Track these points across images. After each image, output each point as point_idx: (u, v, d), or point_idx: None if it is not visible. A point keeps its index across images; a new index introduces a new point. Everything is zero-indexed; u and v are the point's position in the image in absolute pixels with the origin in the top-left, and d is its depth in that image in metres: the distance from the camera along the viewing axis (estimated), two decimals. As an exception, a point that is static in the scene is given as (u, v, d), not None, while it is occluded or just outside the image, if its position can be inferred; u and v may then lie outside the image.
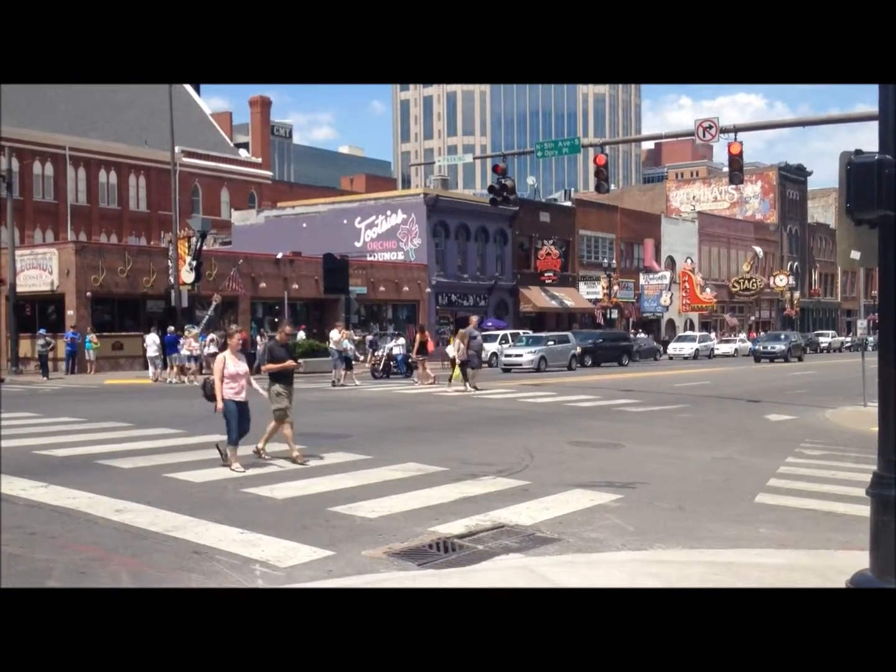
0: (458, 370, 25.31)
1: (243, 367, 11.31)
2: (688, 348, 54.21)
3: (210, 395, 11.25)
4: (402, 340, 33.88)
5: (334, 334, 28.75)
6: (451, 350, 26.67)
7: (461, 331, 26.93)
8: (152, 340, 30.80)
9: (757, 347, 52.21)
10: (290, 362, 12.02)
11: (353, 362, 29.09)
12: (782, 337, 53.62)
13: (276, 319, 39.78)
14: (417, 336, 29.45)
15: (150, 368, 30.91)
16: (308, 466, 11.46)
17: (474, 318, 29.73)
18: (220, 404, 11.01)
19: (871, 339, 35.12)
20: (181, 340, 30.64)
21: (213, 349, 32.27)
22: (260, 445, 11.89)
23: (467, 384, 24.83)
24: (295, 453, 11.68)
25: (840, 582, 5.56)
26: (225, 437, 11.37)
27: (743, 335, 68.27)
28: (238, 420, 11.14)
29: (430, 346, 30.05)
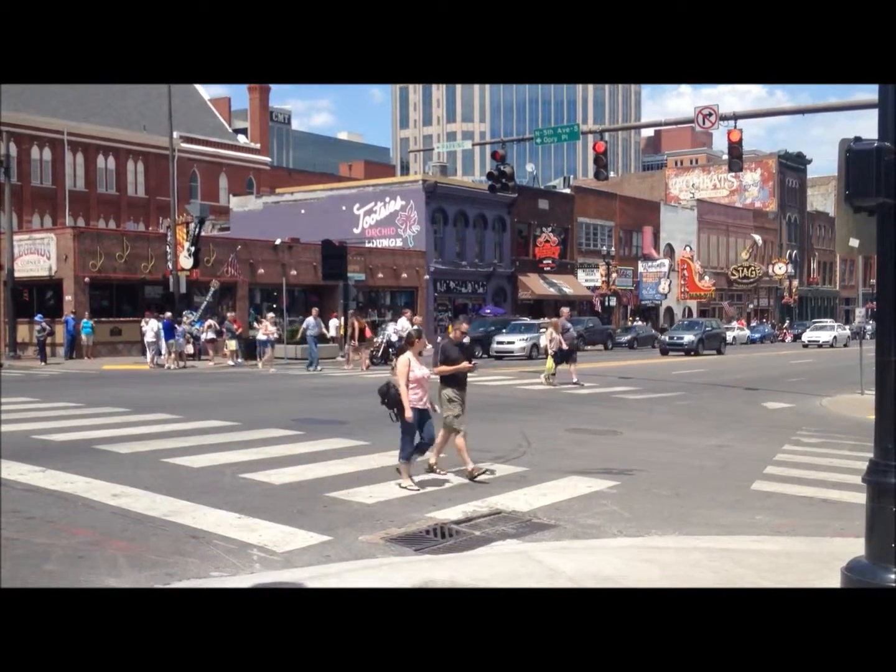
0: (551, 362, 23.18)
1: (426, 371, 10.03)
2: (686, 336, 54.18)
3: (394, 402, 9.79)
4: (400, 326, 33.82)
5: (403, 322, 28.01)
6: (545, 341, 24.73)
7: (554, 320, 24.70)
8: (151, 327, 30.77)
9: (663, 338, 45.77)
10: (465, 364, 10.68)
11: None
12: (695, 327, 46.40)
13: (275, 305, 39.78)
14: (355, 322, 29.29)
15: (148, 353, 30.90)
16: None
17: (566, 310, 27.28)
18: (408, 413, 9.59)
19: (868, 326, 35.04)
20: (250, 325, 31.12)
21: (210, 335, 32.36)
22: (432, 460, 10.58)
23: (553, 378, 22.96)
24: (470, 466, 10.19)
25: (836, 568, 5.58)
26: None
27: (734, 323, 68.16)
28: (419, 431, 9.88)
29: (368, 333, 29.95)
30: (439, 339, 24.77)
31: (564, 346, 23.29)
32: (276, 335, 30.17)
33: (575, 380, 22.96)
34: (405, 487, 9.58)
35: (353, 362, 29.45)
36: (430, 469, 10.47)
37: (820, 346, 53.96)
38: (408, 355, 9.89)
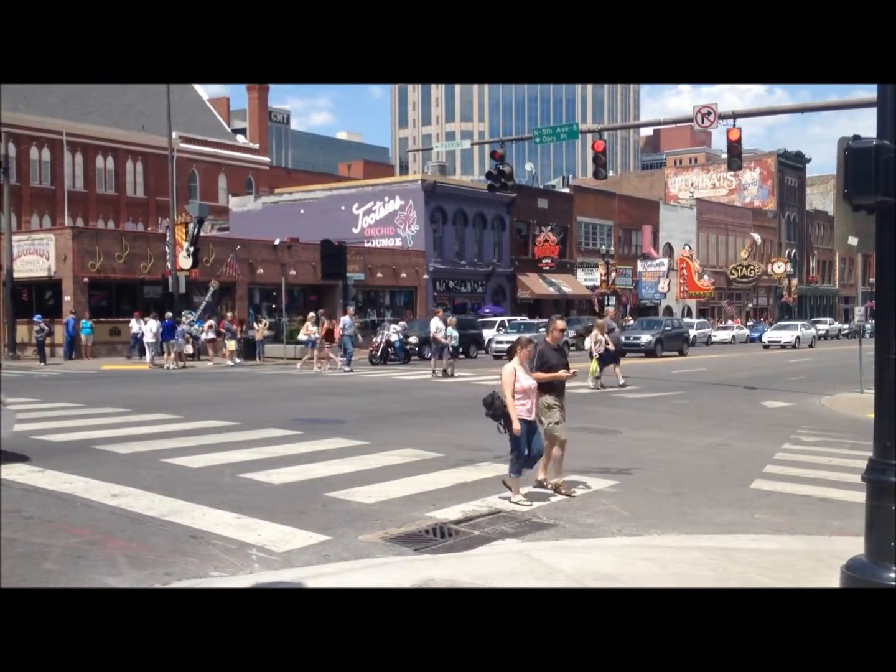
0: (594, 364, 22.23)
1: (533, 381, 9.32)
2: (685, 335, 53.98)
3: (499, 413, 9.10)
4: (400, 326, 33.71)
5: (436, 322, 27.06)
6: (589, 342, 23.28)
7: (598, 321, 24.05)
8: (150, 327, 30.76)
9: (620, 338, 43.90)
10: (564, 372, 9.82)
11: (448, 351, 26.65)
12: (654, 326, 41.88)
13: (273, 306, 39.76)
14: (325, 324, 29.11)
15: (148, 353, 30.89)
16: (572, 496, 9.46)
17: (610, 309, 26.01)
18: (517, 425, 8.89)
19: (868, 325, 35.01)
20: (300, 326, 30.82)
21: (210, 335, 32.38)
22: (540, 476, 9.74)
23: (600, 381, 22.15)
24: (559, 480, 9.63)
25: (835, 567, 5.58)
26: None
27: (730, 322, 68.07)
28: (529, 443, 9.14)
29: (337, 334, 29.61)
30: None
31: (611, 347, 22.64)
32: (317, 335, 29.09)
33: (621, 381, 22.36)
34: (516, 503, 8.89)
35: (329, 362, 29.00)
36: (540, 485, 9.62)
37: (782, 346, 50.71)
38: (513, 364, 9.15)
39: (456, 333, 27.04)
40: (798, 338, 52.08)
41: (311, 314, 30.74)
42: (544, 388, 9.71)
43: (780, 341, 51.55)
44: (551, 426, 9.63)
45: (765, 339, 53.78)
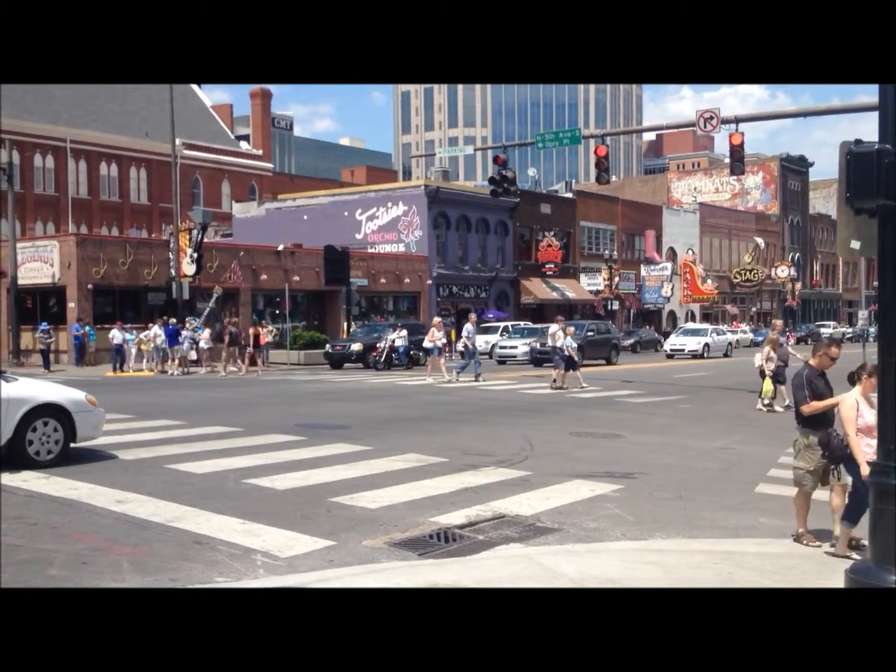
0: (768, 384, 18.85)
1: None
2: (688, 339, 53.61)
3: (838, 455, 7.54)
4: (404, 332, 33.49)
5: (555, 329, 24.53)
6: (759, 359, 19.57)
7: (770, 335, 20.80)
8: (156, 333, 30.78)
9: (534, 345, 34.48)
10: (834, 399, 7.85)
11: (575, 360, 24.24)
12: (575, 330, 31.94)
13: (277, 311, 39.78)
14: (251, 329, 30.16)
15: (155, 358, 30.87)
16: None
17: (778, 323, 23.16)
18: (865, 469, 6.69)
19: (871, 329, 34.90)
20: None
21: (209, 343, 32.38)
22: (801, 530, 8.01)
23: (773, 402, 18.91)
24: (800, 529, 8.02)
25: (839, 570, 5.59)
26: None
27: (724, 327, 67.69)
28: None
29: (262, 340, 30.33)
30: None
31: (779, 363, 19.20)
32: (443, 341, 26.70)
33: (787, 402, 18.09)
34: (834, 554, 7.36)
35: (236, 365, 29.63)
36: (797, 539, 8.00)
37: (694, 356, 42.60)
38: (854, 396, 7.52)
39: (574, 344, 24.72)
40: (707, 345, 43.86)
41: (437, 319, 28.66)
42: (811, 422, 7.96)
43: (684, 349, 43.74)
44: (801, 472, 7.96)
45: (667, 346, 45.64)
